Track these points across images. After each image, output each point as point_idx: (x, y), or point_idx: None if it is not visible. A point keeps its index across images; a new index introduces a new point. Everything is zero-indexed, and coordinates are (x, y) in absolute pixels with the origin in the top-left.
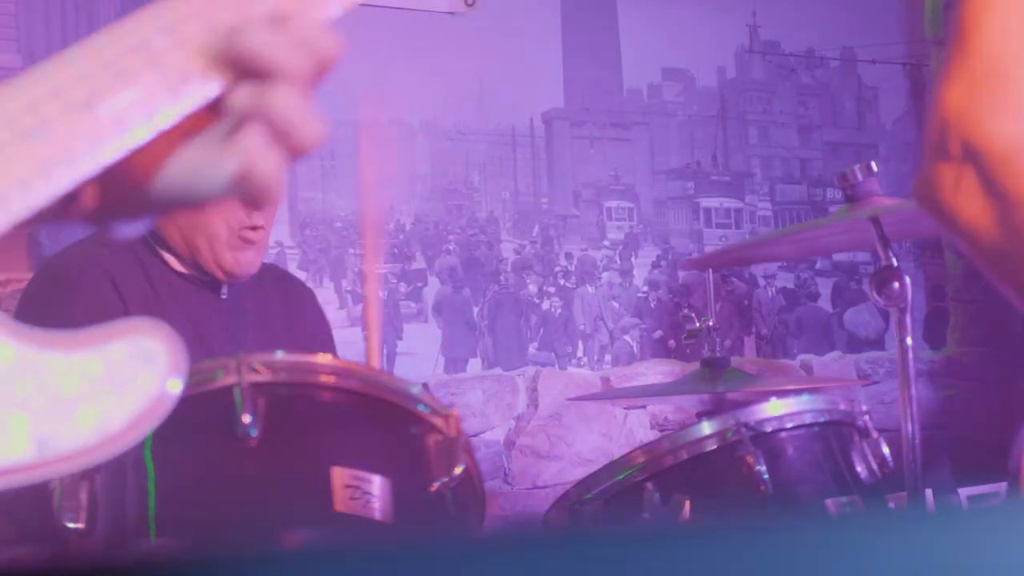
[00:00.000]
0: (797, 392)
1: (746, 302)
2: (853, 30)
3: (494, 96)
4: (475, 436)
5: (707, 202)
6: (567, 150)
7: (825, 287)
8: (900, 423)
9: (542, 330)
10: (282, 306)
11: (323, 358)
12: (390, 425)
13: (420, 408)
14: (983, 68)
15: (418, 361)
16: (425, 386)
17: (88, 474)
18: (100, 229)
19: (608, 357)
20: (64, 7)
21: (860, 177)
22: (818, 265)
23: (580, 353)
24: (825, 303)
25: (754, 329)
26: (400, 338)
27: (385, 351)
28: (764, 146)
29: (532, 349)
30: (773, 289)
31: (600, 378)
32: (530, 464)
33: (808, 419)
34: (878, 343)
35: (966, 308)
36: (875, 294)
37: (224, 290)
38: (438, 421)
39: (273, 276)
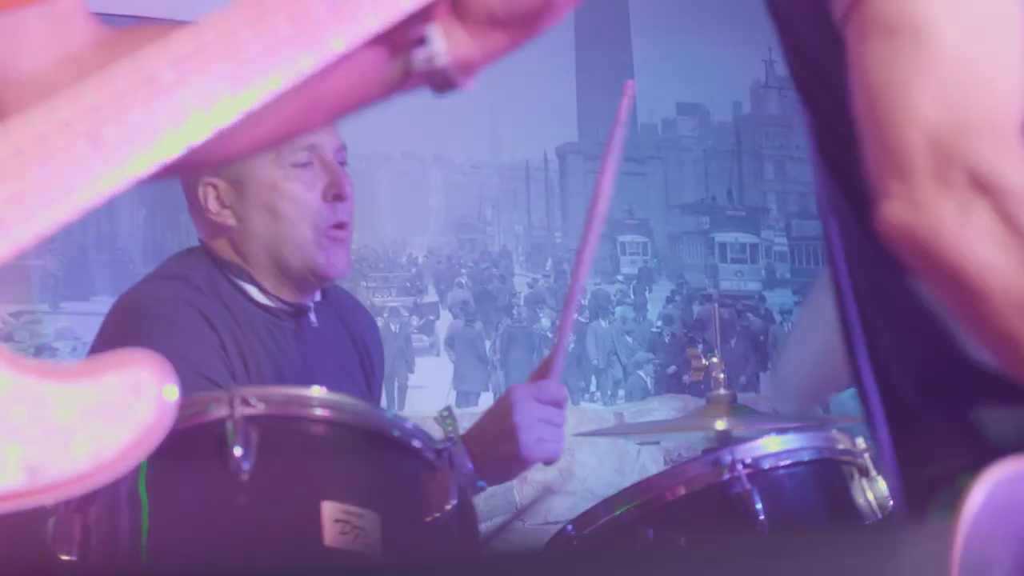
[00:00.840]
0: (797, 429)
1: (762, 338)
2: None
3: (508, 130)
4: None
5: (722, 237)
6: (581, 184)
7: None
8: None
9: None
10: (354, 336)
11: (316, 391)
12: (382, 459)
13: (413, 442)
14: (953, 77)
15: (429, 395)
16: (450, 410)
17: (82, 506)
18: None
19: (621, 392)
20: None
21: None
22: None
23: (593, 388)
24: None
25: (770, 365)
26: (412, 371)
27: (396, 384)
28: (780, 181)
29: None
30: (790, 325)
31: (613, 413)
32: (543, 500)
33: (806, 456)
34: None
35: None
36: None
37: (304, 320)
38: (431, 455)
39: (348, 305)
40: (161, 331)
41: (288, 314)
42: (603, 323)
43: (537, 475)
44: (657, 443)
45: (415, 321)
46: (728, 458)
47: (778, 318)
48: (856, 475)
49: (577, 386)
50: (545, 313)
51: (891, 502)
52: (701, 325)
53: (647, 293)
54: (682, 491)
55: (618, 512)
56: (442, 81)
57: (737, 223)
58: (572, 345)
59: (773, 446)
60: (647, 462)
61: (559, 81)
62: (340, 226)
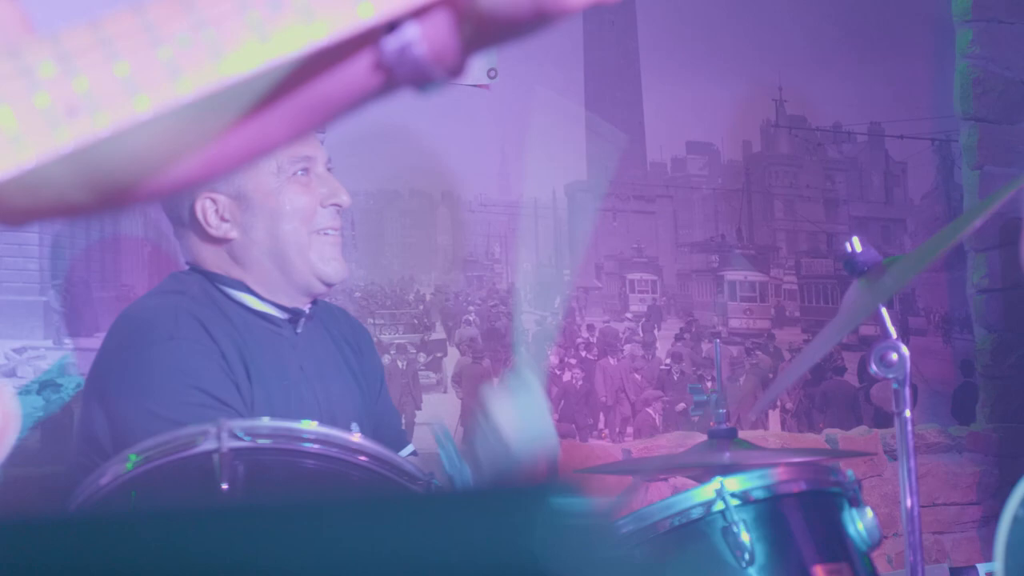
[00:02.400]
0: (788, 462)
1: (771, 375)
2: (881, 106)
3: (516, 168)
4: None
5: (731, 275)
6: (590, 222)
7: (852, 361)
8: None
9: (563, 401)
10: (348, 343)
11: (306, 424)
12: (370, 492)
13: (401, 476)
14: None
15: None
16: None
17: None
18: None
19: (630, 429)
20: None
21: (859, 248)
22: (844, 339)
23: (601, 425)
24: (852, 377)
25: (779, 403)
26: (419, 408)
27: (404, 421)
28: (790, 220)
29: (553, 420)
30: None
31: (622, 450)
32: None
33: (795, 488)
34: None
35: (995, 384)
36: (873, 365)
37: (300, 325)
38: (418, 488)
39: (340, 315)
40: (162, 346)
41: (285, 320)
42: (612, 360)
43: None
44: (665, 479)
45: (422, 358)
46: (718, 489)
47: (787, 356)
48: (846, 506)
49: (585, 422)
50: (553, 351)
51: (880, 531)
52: (710, 363)
53: (656, 331)
54: (673, 523)
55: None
56: (419, 75)
57: (746, 261)
58: (580, 382)
59: (763, 478)
60: (655, 498)
61: (568, 119)
62: (333, 229)
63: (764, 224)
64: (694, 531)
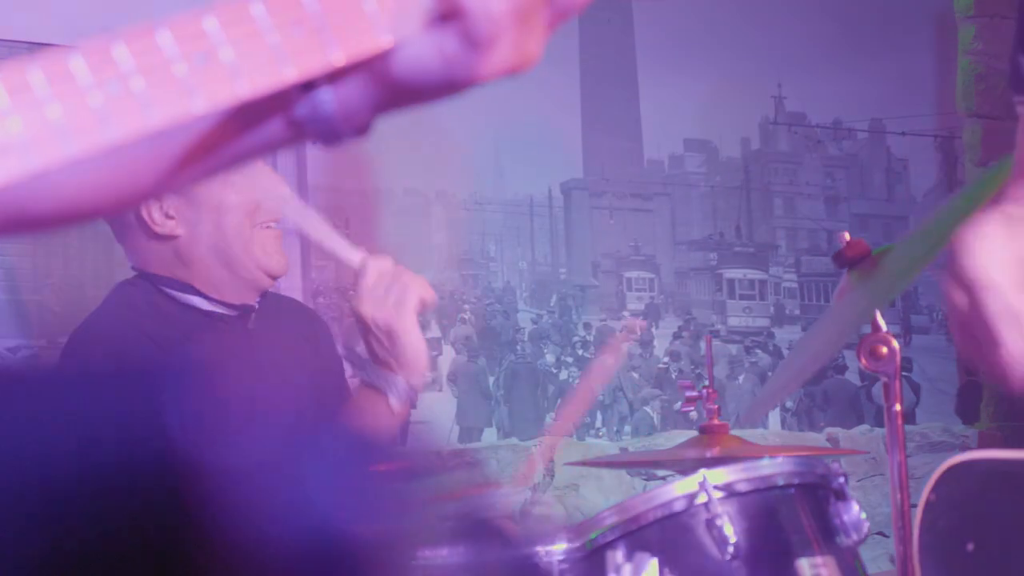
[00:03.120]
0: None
1: (770, 374)
2: (882, 102)
3: (511, 166)
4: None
5: (730, 273)
6: (586, 220)
7: (852, 359)
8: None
9: (559, 400)
10: (302, 335)
11: None
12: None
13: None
14: None
15: (432, 430)
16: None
17: None
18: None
19: (627, 428)
20: None
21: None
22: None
23: (598, 423)
24: (853, 376)
25: (779, 402)
26: (414, 407)
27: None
28: (790, 217)
29: (549, 419)
30: None
31: (619, 449)
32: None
33: (780, 481)
34: (908, 417)
35: None
36: (863, 359)
37: (251, 321)
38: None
39: (292, 307)
40: (105, 362)
41: (234, 317)
42: (608, 359)
43: (541, 510)
44: (663, 478)
45: None
46: (700, 482)
47: (787, 354)
48: (832, 499)
49: (583, 421)
50: (549, 349)
51: (866, 525)
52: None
53: (654, 329)
54: (656, 515)
55: (592, 536)
56: (327, 133)
57: (745, 259)
58: (577, 381)
59: (747, 471)
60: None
61: (564, 116)
62: (277, 223)
63: (763, 222)
64: (677, 524)
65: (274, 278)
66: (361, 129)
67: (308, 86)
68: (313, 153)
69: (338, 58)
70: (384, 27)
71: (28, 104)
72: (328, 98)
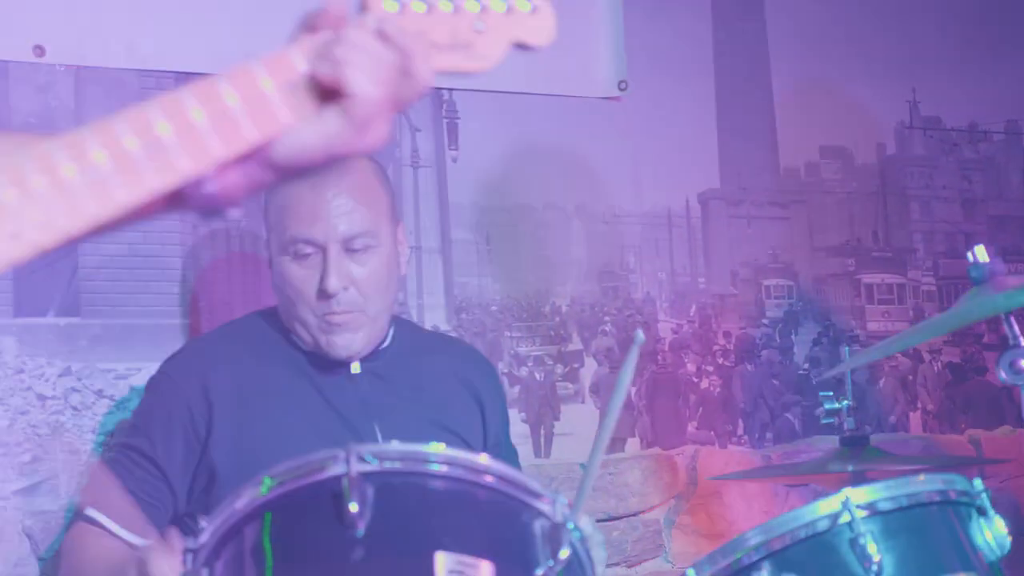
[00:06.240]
0: (915, 472)
1: (910, 377)
2: (1017, 103)
3: (649, 178)
4: (634, 515)
5: (868, 278)
6: (724, 230)
7: (993, 361)
8: None
9: (701, 408)
10: (433, 380)
11: (433, 447)
12: (496, 510)
13: (526, 493)
14: None
15: (576, 441)
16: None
17: (208, 561)
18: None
19: (769, 435)
20: None
21: (984, 259)
22: (985, 339)
23: (740, 431)
24: (993, 377)
25: (919, 404)
26: (557, 419)
27: (543, 432)
28: (927, 221)
29: (691, 428)
30: (939, 364)
31: (761, 456)
32: (691, 543)
33: (923, 499)
34: None
35: None
36: (1003, 373)
37: (355, 367)
38: (544, 506)
39: (440, 347)
40: (157, 411)
41: (335, 361)
42: (749, 367)
43: (685, 519)
44: (806, 484)
45: (560, 369)
46: (843, 501)
47: (927, 357)
48: (975, 515)
49: (724, 429)
50: (690, 359)
51: (1009, 540)
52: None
53: (793, 336)
54: (799, 535)
55: (738, 556)
56: (208, 208)
57: (883, 264)
58: (718, 390)
59: (890, 490)
60: (796, 503)
61: (699, 128)
62: (339, 313)
63: (900, 226)
64: (821, 543)
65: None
66: (238, 205)
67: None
68: (453, 171)
69: (222, 155)
70: (263, 123)
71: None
72: (211, 181)
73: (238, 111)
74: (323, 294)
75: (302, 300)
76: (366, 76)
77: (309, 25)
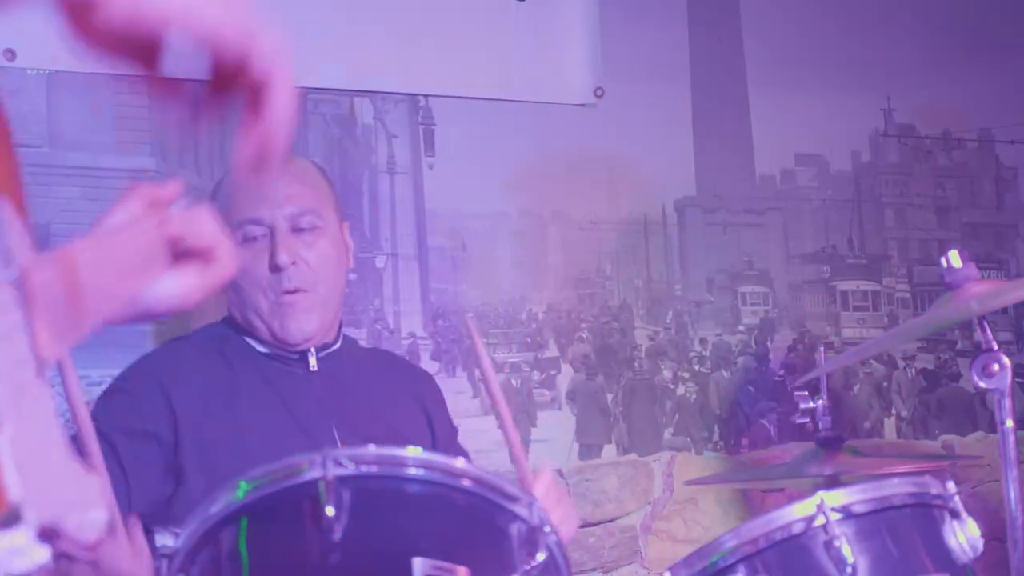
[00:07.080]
0: (889, 475)
1: (885, 384)
2: (991, 111)
3: (625, 185)
4: (611, 521)
5: (843, 285)
6: (700, 237)
7: (966, 367)
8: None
9: (677, 415)
10: (383, 386)
11: (410, 451)
12: (472, 515)
13: (503, 497)
14: None
15: (552, 448)
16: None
17: (184, 566)
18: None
19: (745, 441)
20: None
21: (957, 264)
22: (959, 345)
23: (716, 437)
24: (967, 383)
25: (894, 411)
26: (534, 425)
27: (519, 437)
28: (901, 228)
29: (667, 434)
30: (913, 370)
31: (737, 462)
32: (667, 548)
33: (897, 501)
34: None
35: None
36: (976, 377)
37: (312, 362)
38: (521, 510)
39: (384, 359)
40: (118, 408)
41: (292, 359)
42: (725, 373)
43: (661, 525)
44: (781, 490)
45: (536, 376)
46: (818, 503)
47: (901, 364)
48: (947, 518)
49: (699, 435)
50: (667, 365)
51: (981, 543)
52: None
53: (769, 343)
54: (774, 537)
55: (713, 559)
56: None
57: (858, 271)
58: (694, 396)
59: (864, 493)
60: (771, 509)
61: (675, 135)
62: (291, 292)
63: (875, 233)
64: (796, 546)
65: (289, 345)
66: (59, 355)
67: None
68: (429, 177)
69: None
70: None
71: None
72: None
73: None
74: (274, 268)
75: (254, 284)
76: None
77: None
